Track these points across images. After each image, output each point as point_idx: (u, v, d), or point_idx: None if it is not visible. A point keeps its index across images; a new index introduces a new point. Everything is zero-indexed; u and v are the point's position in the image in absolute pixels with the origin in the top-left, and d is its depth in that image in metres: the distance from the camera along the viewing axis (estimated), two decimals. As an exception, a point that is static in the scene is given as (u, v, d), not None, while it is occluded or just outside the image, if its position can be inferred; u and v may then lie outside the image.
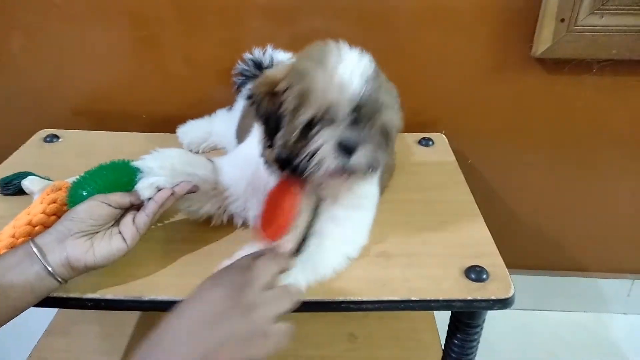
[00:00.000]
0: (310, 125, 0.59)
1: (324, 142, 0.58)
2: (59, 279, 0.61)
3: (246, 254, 0.56)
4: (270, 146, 0.63)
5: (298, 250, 0.64)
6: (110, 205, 0.65)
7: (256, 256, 0.54)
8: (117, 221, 0.67)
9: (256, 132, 0.71)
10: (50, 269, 0.60)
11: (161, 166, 0.69)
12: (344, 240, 0.70)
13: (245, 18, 1.04)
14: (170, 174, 0.68)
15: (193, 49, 1.08)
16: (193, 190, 0.70)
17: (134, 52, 1.09)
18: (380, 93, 0.60)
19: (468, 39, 1.04)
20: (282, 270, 0.55)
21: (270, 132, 0.62)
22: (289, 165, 0.60)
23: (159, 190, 0.67)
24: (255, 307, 0.49)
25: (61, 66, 1.12)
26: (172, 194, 0.68)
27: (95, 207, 0.64)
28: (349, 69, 0.58)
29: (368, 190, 0.73)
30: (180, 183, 0.69)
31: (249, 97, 0.65)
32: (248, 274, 0.51)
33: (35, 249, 0.60)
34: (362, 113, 0.58)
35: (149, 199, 0.67)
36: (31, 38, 1.08)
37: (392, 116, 0.61)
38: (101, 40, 1.08)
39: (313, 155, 0.58)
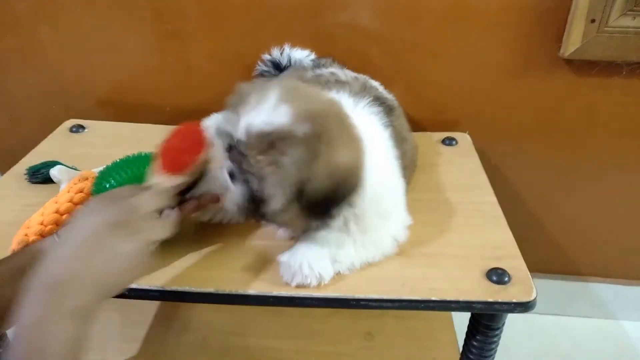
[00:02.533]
0: None
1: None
2: None
3: (122, 188, 0.61)
4: None
5: (185, 192, 0.65)
6: None
7: (135, 191, 0.58)
8: None
9: None
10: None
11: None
12: (387, 215, 0.71)
13: (268, 13, 1.04)
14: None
15: (216, 44, 1.09)
16: (216, 201, 0.71)
17: (159, 45, 1.10)
18: (257, 153, 0.57)
19: (495, 38, 1.02)
20: (163, 207, 0.58)
21: None
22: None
23: (186, 201, 0.67)
24: (139, 230, 0.53)
25: (87, 58, 1.13)
26: (197, 205, 0.69)
27: None
28: (244, 119, 0.58)
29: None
30: (206, 195, 0.69)
31: None
32: (128, 202, 0.54)
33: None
34: (234, 158, 0.60)
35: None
36: (59, 30, 1.11)
37: (267, 182, 0.57)
38: (126, 33, 1.09)
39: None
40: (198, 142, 0.64)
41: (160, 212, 0.58)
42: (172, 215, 0.60)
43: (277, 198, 0.57)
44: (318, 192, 0.56)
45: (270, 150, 0.56)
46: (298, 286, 0.65)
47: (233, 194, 0.62)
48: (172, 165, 0.62)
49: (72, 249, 0.50)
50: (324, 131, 0.56)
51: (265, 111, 0.56)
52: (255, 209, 0.61)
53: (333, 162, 0.56)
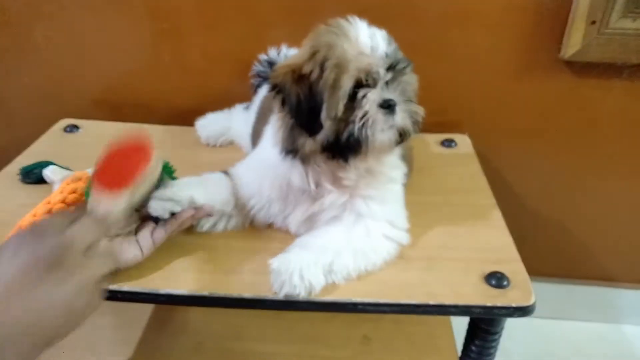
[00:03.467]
0: (352, 95, 0.61)
1: (371, 104, 0.60)
2: None
3: (55, 217, 0.52)
4: (312, 133, 0.62)
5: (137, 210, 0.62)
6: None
7: (72, 219, 0.49)
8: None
9: (270, 135, 0.70)
10: None
11: (179, 197, 0.68)
12: (386, 222, 0.70)
13: (264, 13, 1.03)
14: (187, 204, 0.68)
15: (212, 43, 1.08)
16: (210, 214, 0.72)
17: (154, 44, 1.09)
18: (400, 54, 0.64)
19: (495, 40, 1.02)
20: (100, 236, 0.50)
21: (306, 120, 0.62)
22: (337, 146, 0.62)
23: (182, 211, 0.68)
24: (76, 271, 0.45)
25: (82, 57, 1.13)
26: (192, 215, 0.69)
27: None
28: (371, 35, 0.62)
29: (392, 164, 0.73)
30: (204, 206, 0.70)
31: (273, 89, 0.65)
32: (62, 237, 0.46)
33: None
34: (394, 72, 0.62)
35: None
36: (53, 29, 1.10)
37: (412, 76, 0.65)
38: (122, 32, 1.09)
39: (363, 119, 0.60)
40: (141, 150, 0.57)
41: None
42: (115, 246, 0.55)
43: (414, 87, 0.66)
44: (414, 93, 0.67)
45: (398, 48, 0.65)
46: (286, 296, 0.62)
47: (401, 115, 0.62)
48: (113, 180, 0.55)
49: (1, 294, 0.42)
50: None
51: (369, 26, 0.65)
52: (420, 120, 0.65)
53: None
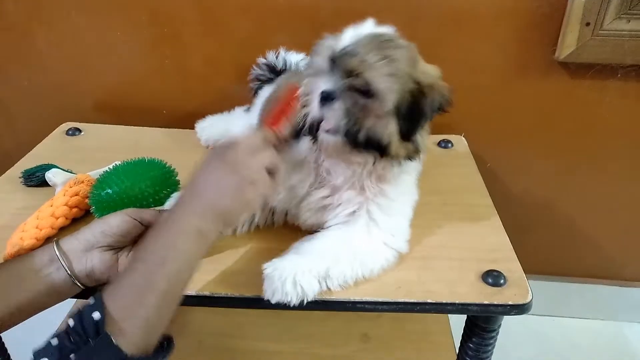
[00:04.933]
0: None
1: (310, 92, 0.63)
2: (83, 286, 0.62)
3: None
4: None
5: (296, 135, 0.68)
6: (142, 224, 0.65)
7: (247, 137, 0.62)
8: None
9: None
10: (75, 279, 0.61)
11: None
12: (390, 230, 0.70)
13: (264, 18, 1.04)
14: None
15: (213, 48, 1.09)
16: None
17: (155, 48, 1.10)
18: (367, 52, 0.60)
19: (490, 42, 1.03)
20: (266, 140, 0.63)
21: None
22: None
23: None
24: (243, 162, 0.58)
25: (84, 61, 1.13)
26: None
27: (127, 224, 0.64)
28: (348, 31, 0.63)
29: (407, 179, 0.73)
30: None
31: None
32: (232, 146, 0.60)
33: (60, 256, 0.61)
34: (340, 66, 0.60)
35: None
36: (55, 33, 1.10)
37: (380, 78, 0.60)
38: (123, 36, 1.10)
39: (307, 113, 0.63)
40: (292, 96, 0.67)
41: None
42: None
43: (390, 94, 0.60)
44: (414, 96, 0.62)
45: (381, 47, 0.61)
46: (278, 303, 0.62)
47: (334, 114, 0.61)
48: (272, 121, 0.67)
49: (192, 182, 0.59)
50: (415, 49, 0.65)
51: (368, 26, 0.64)
52: (359, 125, 0.61)
53: (426, 67, 0.65)
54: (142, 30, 1.08)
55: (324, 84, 0.61)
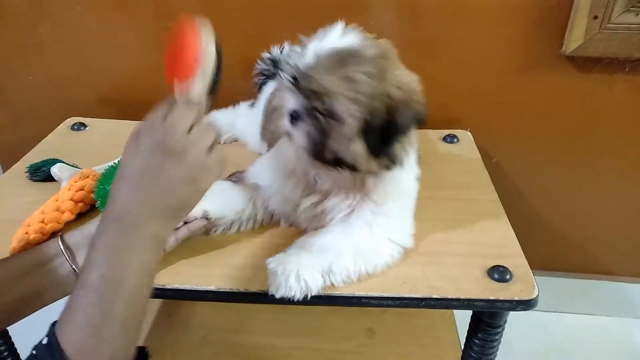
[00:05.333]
0: None
1: (281, 106, 0.63)
2: None
3: (157, 110, 0.55)
4: None
5: (211, 92, 0.61)
6: None
7: (168, 110, 0.54)
8: None
9: None
10: (79, 272, 0.60)
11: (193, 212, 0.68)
12: (389, 229, 0.69)
13: (268, 12, 1.04)
14: (200, 216, 0.69)
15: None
16: (219, 224, 0.73)
17: (159, 42, 1.09)
18: (328, 72, 0.58)
19: (497, 36, 1.02)
20: (197, 116, 0.54)
21: None
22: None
23: (194, 220, 0.68)
24: (185, 149, 0.51)
25: (88, 56, 1.13)
26: (204, 225, 0.69)
27: None
28: (310, 45, 0.60)
29: (406, 179, 0.72)
30: (214, 220, 0.70)
31: None
32: (165, 125, 0.52)
33: (64, 251, 0.60)
34: (302, 87, 0.59)
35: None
36: (59, 28, 1.10)
37: (341, 101, 0.58)
38: (126, 30, 1.09)
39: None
40: (192, 36, 0.60)
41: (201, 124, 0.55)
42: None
43: (351, 118, 0.58)
44: (385, 112, 0.59)
45: (342, 67, 0.58)
46: (282, 298, 0.62)
47: (299, 134, 0.61)
48: (180, 70, 0.58)
49: (130, 184, 0.50)
50: (388, 54, 0.61)
51: (333, 37, 0.59)
52: (323, 146, 0.60)
53: (399, 79, 0.60)
54: (146, 24, 1.08)
55: (291, 102, 0.61)
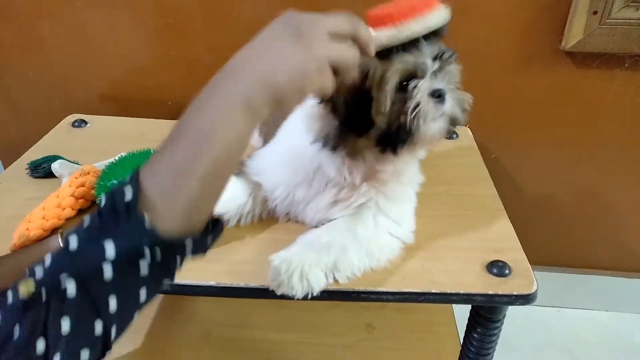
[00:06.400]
0: (401, 88, 0.61)
1: (422, 94, 0.60)
2: None
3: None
4: (363, 133, 0.63)
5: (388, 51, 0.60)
6: None
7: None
8: None
9: (298, 125, 0.70)
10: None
11: None
12: (396, 220, 0.70)
13: (270, 7, 1.04)
14: None
15: (218, 38, 1.08)
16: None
17: (160, 39, 1.10)
18: (443, 45, 0.63)
19: (496, 31, 1.02)
20: (350, 32, 0.51)
21: (358, 123, 0.63)
22: (389, 138, 0.62)
23: None
24: (315, 41, 0.47)
25: (89, 52, 1.13)
26: None
27: None
28: (415, 26, 0.60)
29: (413, 170, 0.74)
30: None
31: (323, 100, 0.64)
32: (316, 17, 0.49)
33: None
34: (441, 62, 0.62)
35: None
36: (59, 24, 1.10)
37: (457, 65, 0.65)
38: (127, 27, 1.09)
39: (415, 109, 0.60)
40: (427, 4, 0.60)
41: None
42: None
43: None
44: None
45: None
46: (283, 296, 0.62)
47: (450, 106, 0.63)
48: (387, 16, 0.58)
49: (248, 46, 0.48)
50: None
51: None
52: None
53: None
54: (147, 21, 1.08)
55: (431, 83, 0.61)
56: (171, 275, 0.46)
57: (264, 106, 0.46)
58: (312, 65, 0.47)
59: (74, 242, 0.42)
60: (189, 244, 0.44)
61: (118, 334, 0.43)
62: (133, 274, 0.42)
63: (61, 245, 0.60)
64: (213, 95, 0.46)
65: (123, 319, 0.43)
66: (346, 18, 0.51)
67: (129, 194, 0.42)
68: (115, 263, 0.40)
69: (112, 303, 0.41)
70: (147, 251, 0.41)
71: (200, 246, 0.47)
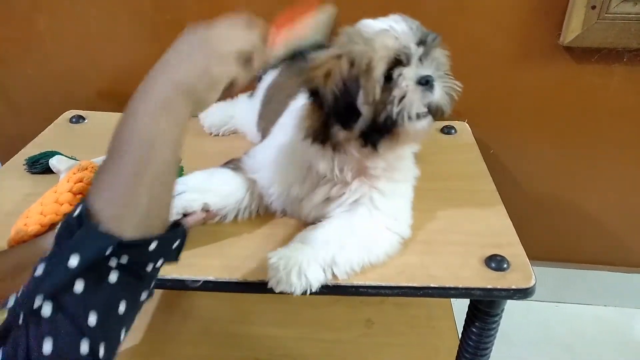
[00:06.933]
0: (387, 78, 0.60)
1: (408, 82, 0.59)
2: None
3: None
4: (349, 125, 0.62)
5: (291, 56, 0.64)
6: None
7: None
8: None
9: (289, 122, 0.71)
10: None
11: (192, 206, 0.68)
12: (392, 215, 0.70)
13: (268, 3, 1.03)
14: (200, 209, 0.69)
15: (216, 34, 1.08)
16: (219, 215, 0.73)
17: (158, 35, 1.10)
18: (425, 29, 0.62)
19: (494, 26, 1.02)
20: (254, 27, 0.57)
21: (344, 114, 0.62)
22: (373, 131, 0.61)
23: (193, 214, 0.68)
24: (213, 40, 0.54)
25: (87, 48, 1.13)
26: (203, 217, 0.69)
27: None
28: (390, 19, 0.61)
29: (407, 165, 0.73)
30: (214, 212, 0.70)
31: (311, 93, 0.64)
32: (213, 24, 0.55)
33: None
34: (425, 47, 0.60)
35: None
36: (57, 21, 1.10)
37: (442, 50, 0.63)
38: (125, 23, 1.09)
39: (402, 99, 0.59)
40: (308, 7, 0.63)
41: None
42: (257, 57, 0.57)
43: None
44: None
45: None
46: (282, 292, 0.62)
47: (438, 94, 0.61)
48: (280, 26, 0.62)
49: (162, 58, 0.54)
50: None
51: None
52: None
53: None
54: (145, 17, 1.08)
55: (418, 70, 0.60)
56: (147, 286, 0.46)
57: (182, 106, 0.50)
58: (214, 61, 0.52)
59: (40, 269, 0.42)
60: (153, 245, 0.45)
61: (109, 355, 0.42)
62: (103, 281, 0.42)
63: None
64: (140, 107, 0.49)
65: (109, 335, 0.42)
66: (238, 17, 0.57)
67: (77, 211, 0.44)
68: (82, 273, 0.40)
69: (92, 318, 0.41)
70: (110, 256, 0.42)
71: (167, 246, 0.47)
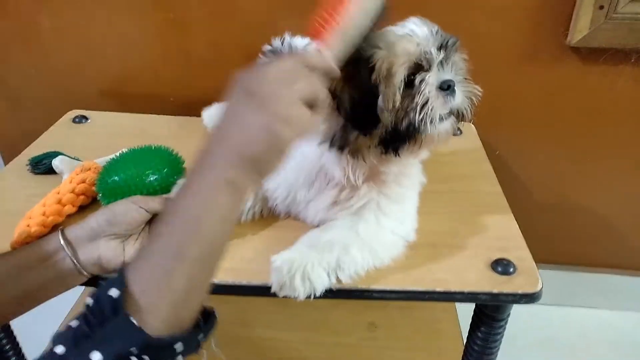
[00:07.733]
0: (407, 83, 0.59)
1: (430, 88, 0.58)
2: (90, 275, 0.62)
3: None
4: (368, 131, 0.61)
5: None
6: (147, 211, 0.64)
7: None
8: (148, 222, 0.66)
9: None
10: (80, 268, 0.60)
11: None
12: (398, 219, 0.69)
13: (270, 2, 1.03)
14: None
15: (219, 33, 1.08)
16: None
17: (160, 34, 1.10)
18: (445, 32, 0.61)
19: (500, 26, 1.01)
20: (307, 63, 0.50)
21: (363, 119, 0.60)
22: (395, 137, 0.60)
23: None
24: (269, 96, 0.47)
25: (90, 48, 1.13)
26: None
27: (133, 212, 0.63)
28: (409, 22, 0.60)
29: (416, 171, 0.73)
30: None
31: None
32: (258, 71, 0.49)
33: (65, 245, 0.60)
34: (446, 51, 0.60)
35: None
36: (60, 20, 1.10)
37: (461, 54, 0.63)
38: (128, 22, 1.09)
39: (423, 105, 0.58)
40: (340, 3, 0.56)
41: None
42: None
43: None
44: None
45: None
46: (286, 297, 0.62)
47: (459, 99, 0.60)
48: (320, 32, 0.55)
49: (216, 127, 0.48)
50: None
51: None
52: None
53: None
54: (147, 15, 1.07)
55: (439, 75, 0.59)
56: None
57: (246, 179, 0.46)
58: (276, 122, 0.46)
59: (60, 351, 0.40)
60: (178, 347, 0.43)
61: None
62: None
63: (62, 243, 0.60)
64: (194, 180, 0.46)
65: None
66: (290, 58, 0.50)
67: (114, 292, 0.42)
68: None
69: None
70: (132, 354, 0.40)
71: (191, 345, 0.45)
